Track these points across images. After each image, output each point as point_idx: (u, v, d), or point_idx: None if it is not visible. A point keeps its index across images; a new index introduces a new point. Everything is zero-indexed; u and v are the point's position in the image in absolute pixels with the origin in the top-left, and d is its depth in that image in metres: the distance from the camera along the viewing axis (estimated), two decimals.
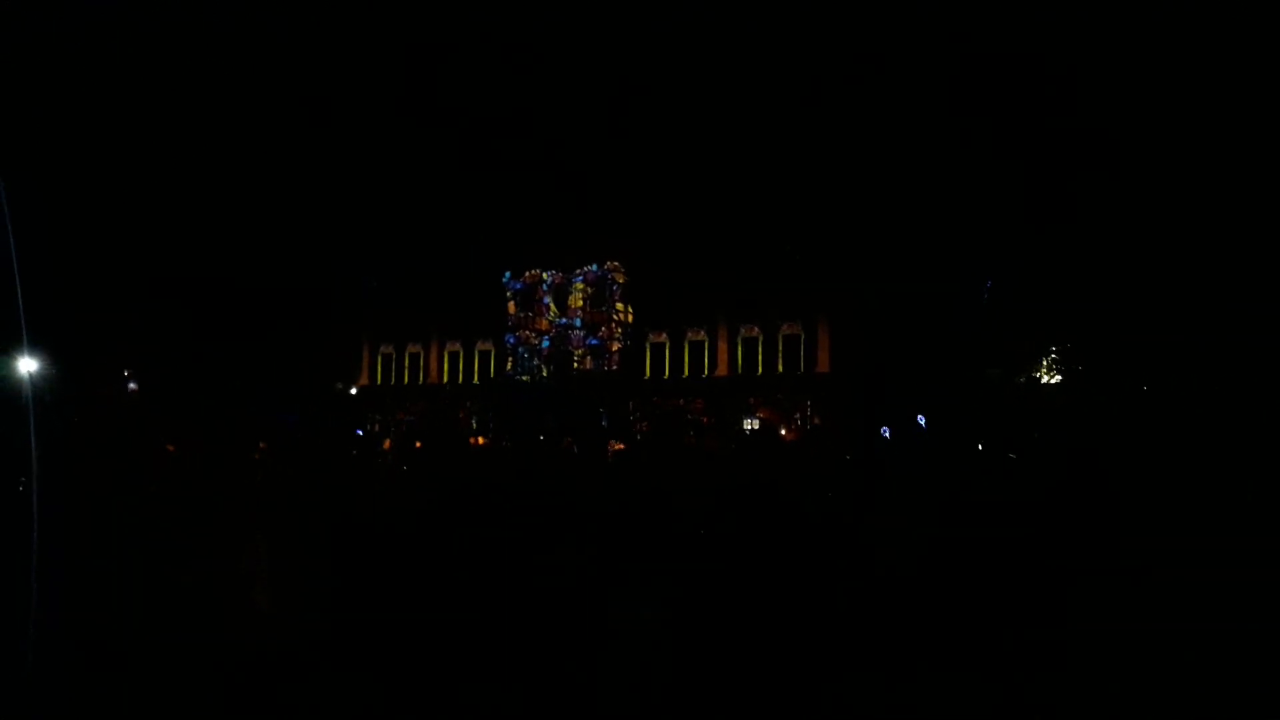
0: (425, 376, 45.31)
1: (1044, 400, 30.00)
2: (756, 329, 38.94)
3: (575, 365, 41.42)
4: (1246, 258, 26.43)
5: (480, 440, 30.98)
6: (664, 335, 40.71)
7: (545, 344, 42.25)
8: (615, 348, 41.04)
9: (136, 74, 42.28)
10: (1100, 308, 29.53)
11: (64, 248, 37.93)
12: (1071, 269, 30.16)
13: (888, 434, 24.77)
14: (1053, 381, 32.47)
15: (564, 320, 41.98)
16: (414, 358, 45.87)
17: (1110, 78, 31.44)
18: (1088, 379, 30.12)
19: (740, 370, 39.04)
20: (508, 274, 43.08)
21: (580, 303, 41.81)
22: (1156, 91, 30.03)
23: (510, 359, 42.80)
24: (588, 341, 41.59)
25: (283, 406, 30.92)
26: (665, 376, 40.33)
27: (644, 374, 40.58)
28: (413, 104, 48.50)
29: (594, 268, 41.60)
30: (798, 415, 33.53)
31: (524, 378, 41.44)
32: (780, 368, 38.14)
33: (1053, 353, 32.28)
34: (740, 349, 39.27)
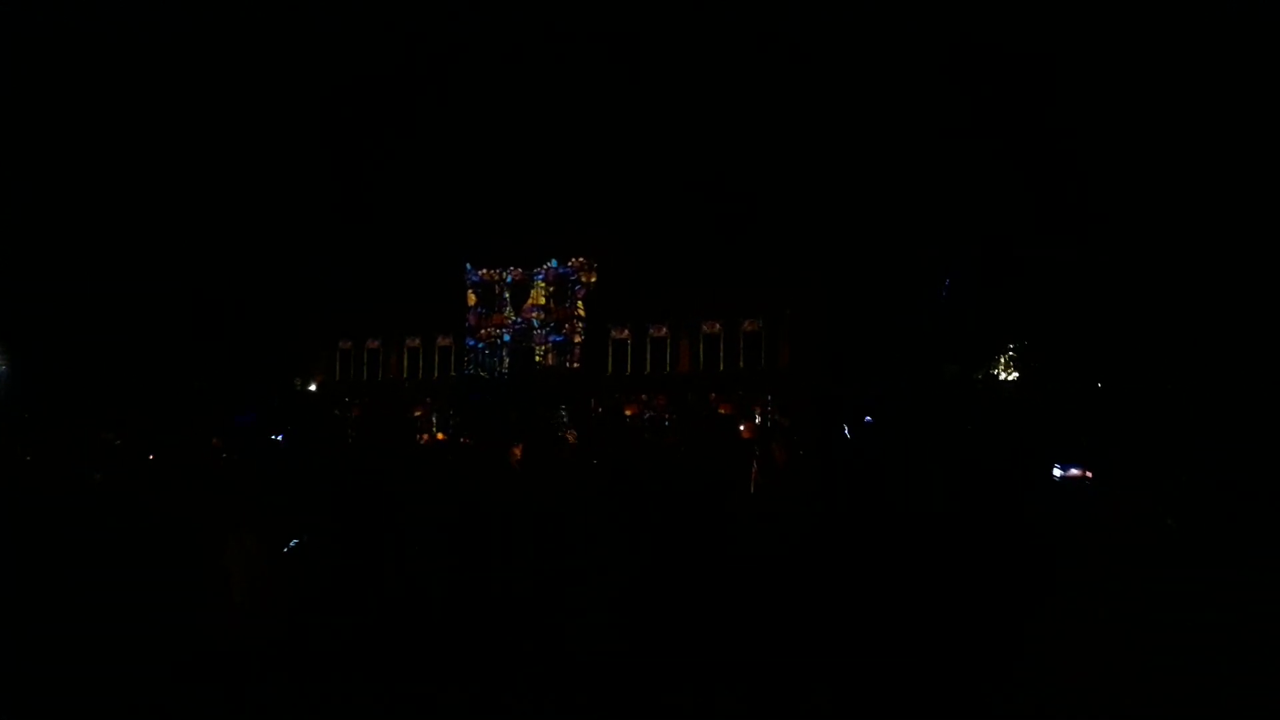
0: (385, 372, 44.94)
1: (1000, 396, 30.31)
2: (718, 325, 39.07)
3: (538, 360, 41.37)
4: (1206, 256, 26.82)
5: (440, 436, 30.78)
6: (626, 331, 40.70)
7: (506, 338, 42.13)
8: (578, 340, 41.05)
9: (86, 69, 41.60)
10: (1056, 305, 29.89)
11: (18, 243, 37.30)
12: (1029, 267, 30.49)
13: (848, 431, 24.89)
14: (1010, 378, 32.85)
15: (520, 320, 41.86)
16: (373, 354, 45.45)
17: (1074, 73, 31.76)
18: (1043, 375, 30.48)
19: (702, 366, 39.15)
20: (469, 265, 42.85)
21: (542, 300, 41.75)
22: (1120, 87, 30.38)
23: (468, 355, 42.59)
24: (550, 338, 41.55)
25: (239, 404, 30.59)
26: (627, 372, 40.33)
27: (606, 370, 40.57)
28: (372, 97, 48.11)
29: (554, 263, 41.53)
30: (757, 410, 33.63)
31: (483, 374, 41.28)
32: (741, 363, 38.29)
33: (1009, 350, 32.65)
34: (702, 345, 39.38)
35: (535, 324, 41.73)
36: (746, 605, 6.31)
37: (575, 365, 40.90)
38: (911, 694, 5.50)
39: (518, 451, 9.33)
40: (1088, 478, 10.60)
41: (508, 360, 41.77)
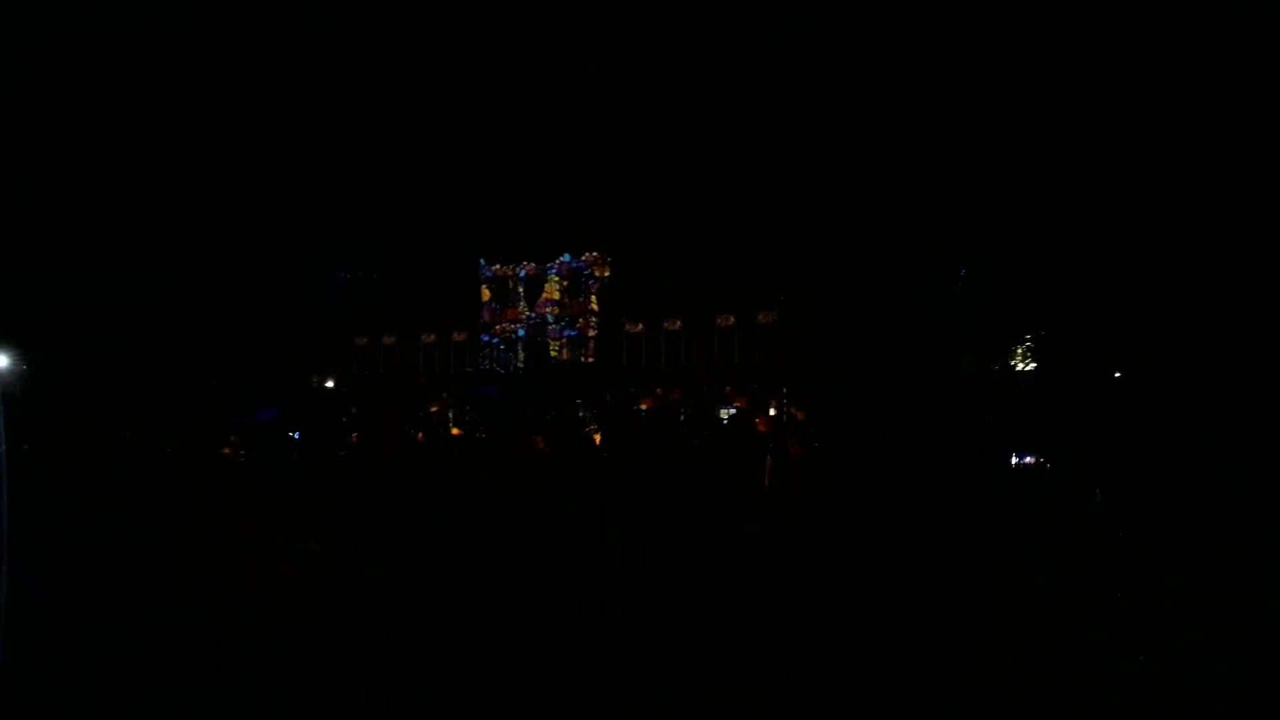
0: (401, 367, 45.03)
1: (1017, 388, 30.20)
2: (732, 318, 38.99)
3: (553, 355, 41.46)
4: (1220, 248, 26.65)
5: (455, 431, 30.80)
6: (640, 325, 40.68)
7: (521, 333, 42.24)
8: (592, 334, 41.10)
9: (91, 66, 41.76)
10: (1074, 296, 29.74)
11: (32, 241, 37.53)
12: (1046, 257, 30.34)
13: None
14: (1027, 369, 32.72)
15: (534, 315, 41.94)
16: (389, 350, 45.55)
17: (1082, 66, 31.55)
18: (1061, 367, 30.34)
19: (717, 359, 39.08)
20: (482, 260, 42.97)
21: (556, 294, 41.81)
22: (1129, 79, 30.18)
23: (484, 350, 42.69)
24: (565, 333, 41.61)
25: (256, 401, 30.66)
26: (642, 366, 40.31)
27: (621, 364, 40.56)
28: (385, 95, 48.17)
29: (567, 258, 41.55)
30: (773, 404, 33.56)
31: (499, 369, 41.39)
32: (756, 356, 38.19)
33: (1027, 340, 32.53)
34: (716, 338, 39.31)
35: (549, 319, 41.78)
36: (753, 597, 6.31)
37: (590, 360, 40.93)
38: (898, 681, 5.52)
39: (540, 443, 9.31)
40: (1043, 464, 10.74)
41: (523, 355, 41.91)
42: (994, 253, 31.56)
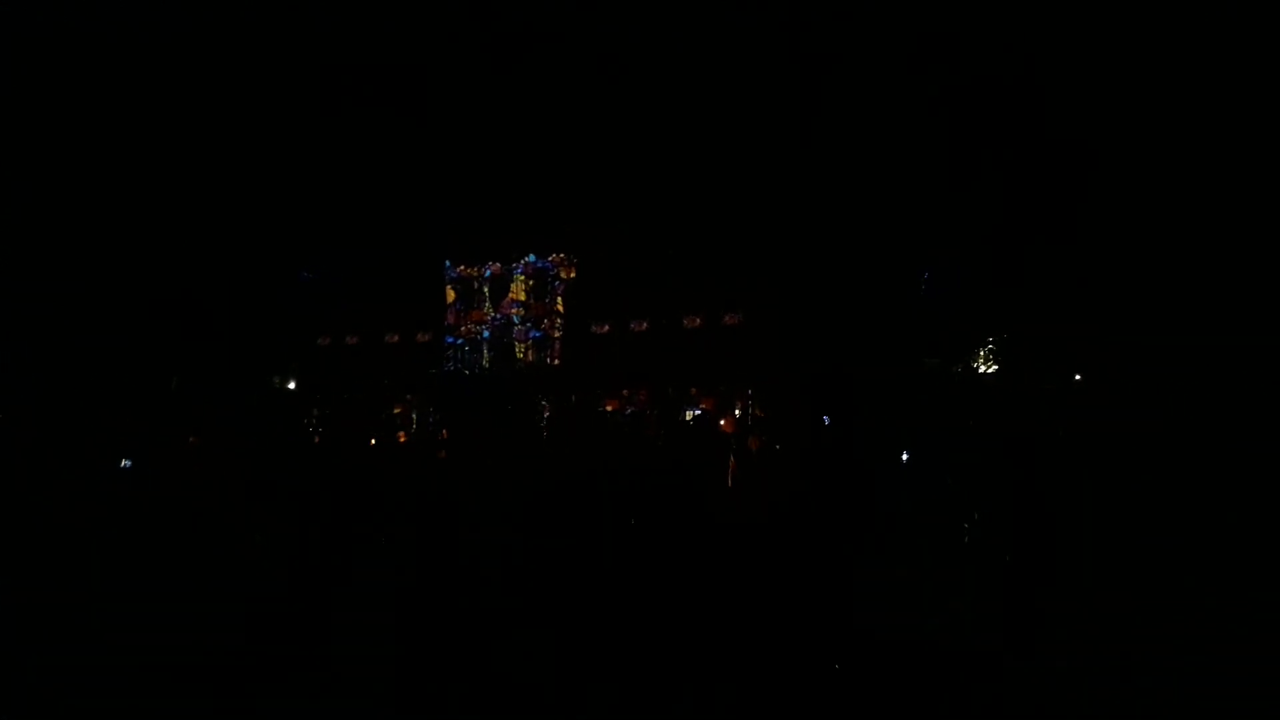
0: (363, 368, 44.66)
1: (980, 390, 30.45)
2: (699, 320, 39.00)
3: (519, 357, 41.32)
4: (1187, 253, 26.99)
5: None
6: (606, 327, 40.61)
7: (486, 334, 42.06)
8: (557, 335, 41.00)
9: (52, 60, 41.13)
10: (1037, 298, 30.03)
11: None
12: (1010, 259, 30.61)
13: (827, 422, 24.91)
14: (989, 371, 33.00)
15: (499, 316, 41.80)
16: (352, 350, 45.16)
17: (1050, 64, 31.84)
18: (1023, 369, 30.63)
19: (683, 361, 39.06)
20: (447, 262, 42.77)
21: (522, 295, 41.67)
22: (1093, 78, 30.47)
23: (448, 352, 42.49)
24: (530, 334, 41.48)
25: (217, 400, 30.39)
26: (608, 368, 40.23)
27: (586, 366, 40.47)
28: (349, 95, 47.78)
29: (533, 258, 41.43)
30: (739, 404, 33.66)
31: (466, 371, 41.21)
32: (723, 357, 38.22)
33: (989, 343, 32.79)
34: (683, 340, 39.29)
35: (515, 320, 41.64)
36: (717, 585, 6.33)
37: (555, 361, 40.81)
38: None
39: (444, 434, 9.31)
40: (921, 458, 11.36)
41: (488, 356, 41.74)
42: (960, 254, 31.82)
